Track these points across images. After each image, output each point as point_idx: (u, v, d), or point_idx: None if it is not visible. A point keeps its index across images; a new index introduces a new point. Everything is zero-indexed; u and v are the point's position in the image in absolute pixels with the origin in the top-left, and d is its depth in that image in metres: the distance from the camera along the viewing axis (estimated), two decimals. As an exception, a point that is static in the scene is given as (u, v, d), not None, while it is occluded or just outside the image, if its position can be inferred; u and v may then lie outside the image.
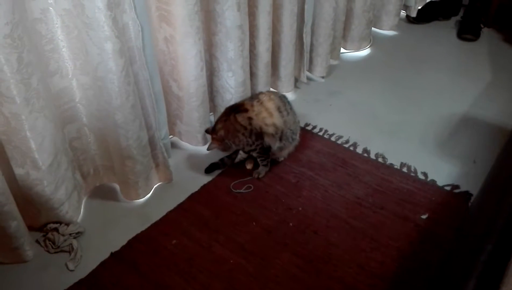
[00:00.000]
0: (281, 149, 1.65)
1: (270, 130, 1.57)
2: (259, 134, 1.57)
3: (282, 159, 1.71)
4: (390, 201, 1.55)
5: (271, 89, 2.04)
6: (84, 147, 1.51)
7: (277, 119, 1.58)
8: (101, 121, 1.43)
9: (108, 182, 1.63)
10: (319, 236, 1.44)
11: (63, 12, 1.23)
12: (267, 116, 1.57)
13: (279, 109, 1.59)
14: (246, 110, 1.56)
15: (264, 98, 1.59)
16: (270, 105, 1.58)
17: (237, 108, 1.59)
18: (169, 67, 1.59)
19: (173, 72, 1.59)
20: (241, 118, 1.56)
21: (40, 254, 1.39)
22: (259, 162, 1.64)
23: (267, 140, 1.58)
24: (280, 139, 1.60)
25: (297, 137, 1.69)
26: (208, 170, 1.67)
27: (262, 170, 1.64)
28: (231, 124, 1.57)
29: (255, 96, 1.62)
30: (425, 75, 2.26)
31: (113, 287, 1.29)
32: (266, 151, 1.61)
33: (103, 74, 1.29)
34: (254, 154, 1.62)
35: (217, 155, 1.71)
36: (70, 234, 1.42)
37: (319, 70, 2.18)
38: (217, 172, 1.68)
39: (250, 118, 1.56)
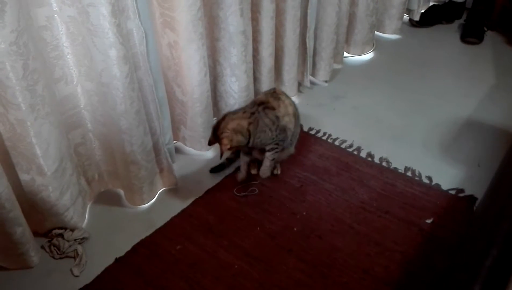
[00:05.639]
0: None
1: (289, 133, 1.59)
2: (283, 130, 1.56)
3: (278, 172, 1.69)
4: (395, 206, 1.55)
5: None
6: (89, 152, 1.51)
7: (292, 125, 1.60)
8: (106, 126, 1.44)
9: (113, 188, 1.63)
10: (324, 241, 1.43)
11: (68, 19, 1.24)
12: (288, 121, 1.58)
13: (295, 116, 1.61)
14: (273, 108, 1.56)
15: (286, 101, 1.60)
16: (290, 110, 1.59)
17: (262, 104, 1.55)
18: (173, 72, 1.59)
19: (177, 78, 1.60)
20: (271, 114, 1.54)
21: (45, 259, 1.40)
22: (270, 156, 1.57)
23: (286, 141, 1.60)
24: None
25: (292, 148, 1.68)
26: (214, 170, 1.66)
27: (267, 169, 1.60)
28: (261, 119, 1.52)
29: (275, 95, 1.60)
30: (429, 78, 2.26)
31: (118, 293, 1.30)
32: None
33: (108, 80, 1.29)
34: (270, 146, 1.56)
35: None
36: (75, 240, 1.42)
37: (322, 74, 2.18)
38: (222, 174, 1.68)
39: (277, 117, 1.55)
